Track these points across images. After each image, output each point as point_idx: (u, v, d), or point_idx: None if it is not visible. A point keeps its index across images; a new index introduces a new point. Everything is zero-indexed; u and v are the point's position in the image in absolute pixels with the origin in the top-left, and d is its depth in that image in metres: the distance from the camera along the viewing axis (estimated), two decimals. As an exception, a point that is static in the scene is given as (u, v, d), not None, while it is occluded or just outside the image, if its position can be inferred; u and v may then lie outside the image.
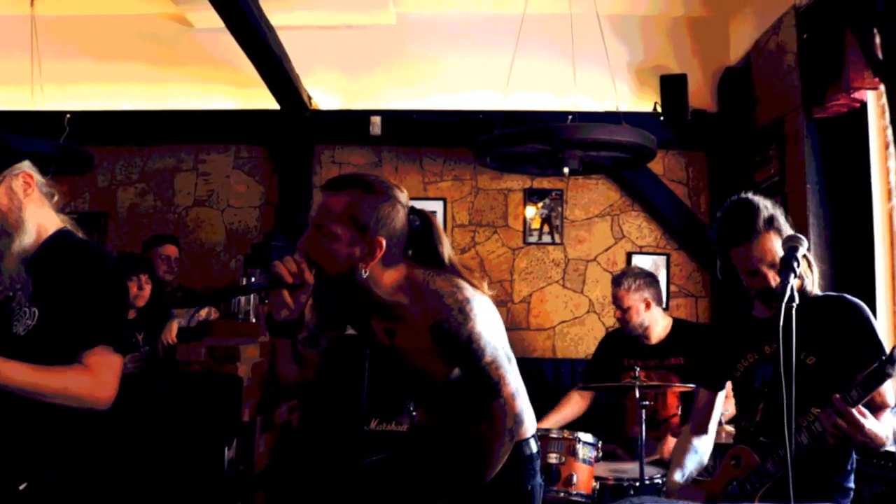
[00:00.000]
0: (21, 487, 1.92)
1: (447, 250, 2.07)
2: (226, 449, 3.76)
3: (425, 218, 2.08)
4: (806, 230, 4.16)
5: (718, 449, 2.85)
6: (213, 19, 4.60)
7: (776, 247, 2.26)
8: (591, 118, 4.90)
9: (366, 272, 1.94)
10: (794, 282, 1.93)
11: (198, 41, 5.83)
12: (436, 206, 5.62)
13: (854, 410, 2.02)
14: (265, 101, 5.50)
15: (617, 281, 4.13)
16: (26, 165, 2.10)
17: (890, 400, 2.24)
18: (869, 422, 2.04)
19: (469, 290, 2.00)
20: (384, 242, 1.93)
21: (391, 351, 2.13)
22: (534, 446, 2.23)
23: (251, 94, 5.67)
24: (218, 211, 5.89)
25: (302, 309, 1.98)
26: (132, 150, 5.96)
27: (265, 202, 5.86)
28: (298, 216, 5.64)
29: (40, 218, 2.09)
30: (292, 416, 5.16)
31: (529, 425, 2.22)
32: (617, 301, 4.11)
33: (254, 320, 4.60)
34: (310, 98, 5.68)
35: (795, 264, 1.98)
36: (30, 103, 5.24)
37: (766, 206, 2.34)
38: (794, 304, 1.86)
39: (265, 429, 4.56)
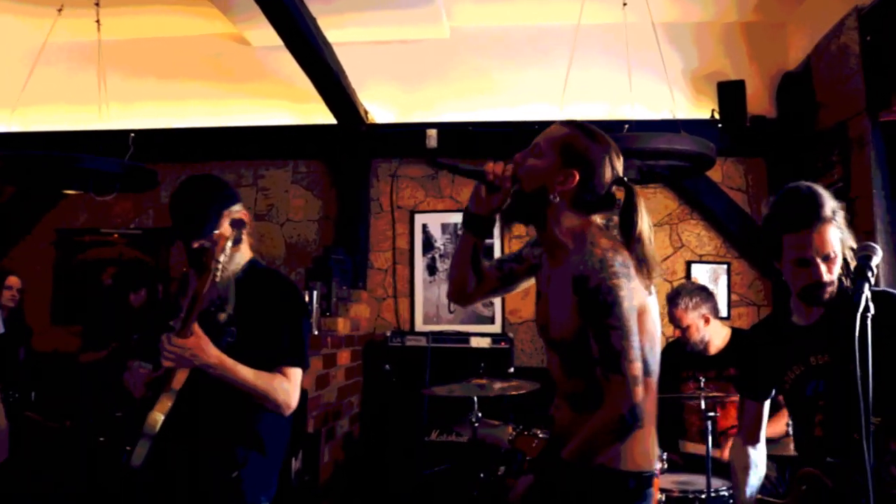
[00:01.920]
0: (234, 475, 2.25)
1: (643, 227, 1.99)
2: (293, 459, 3.81)
3: (630, 189, 2.04)
4: (873, 237, 4.08)
5: (786, 462, 2.79)
6: (270, 37, 4.71)
7: (834, 240, 2.10)
8: (648, 127, 4.87)
9: (556, 198, 1.99)
10: (868, 292, 1.86)
11: (256, 59, 5.95)
12: (492, 218, 5.62)
13: None
14: (322, 115, 5.60)
15: (673, 300, 4.04)
16: (241, 207, 2.44)
17: None
18: None
19: (622, 258, 1.92)
20: (577, 177, 1.98)
21: (543, 300, 2.13)
22: (644, 484, 1.96)
23: (308, 110, 5.76)
24: (277, 225, 5.99)
25: (492, 211, 2.09)
26: (194, 166, 6.09)
27: (323, 216, 5.94)
28: (357, 229, 5.72)
29: (242, 250, 2.41)
30: (354, 427, 5.21)
31: (641, 459, 1.98)
32: (675, 321, 4.03)
33: (316, 333, 4.67)
34: (366, 112, 5.75)
35: (870, 273, 1.91)
36: (97, 122, 5.40)
37: (830, 198, 2.15)
38: (870, 315, 1.80)
39: (328, 439, 4.62)
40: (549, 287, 2.09)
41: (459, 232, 2.24)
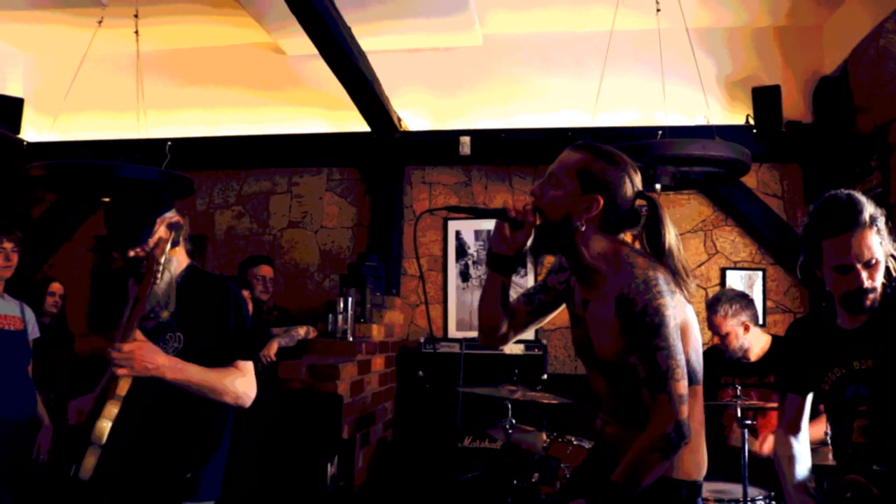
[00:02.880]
0: (188, 476, 2.28)
1: (670, 238, 2.04)
2: (328, 465, 3.84)
3: (652, 202, 2.09)
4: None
5: (823, 471, 2.75)
6: (304, 46, 4.76)
7: (875, 246, 2.07)
8: (682, 133, 4.85)
9: (582, 226, 2.00)
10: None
11: (290, 68, 6.02)
12: (525, 224, 5.63)
13: None
14: (356, 123, 5.64)
15: (712, 308, 3.99)
16: (174, 213, 2.44)
17: None
18: None
19: (663, 276, 1.94)
20: (602, 201, 1.99)
21: (581, 325, 2.12)
22: (696, 493, 2.01)
23: (342, 117, 5.82)
24: (311, 232, 6.04)
25: (518, 248, 2.08)
26: (229, 174, 6.18)
27: (357, 223, 5.98)
28: (391, 236, 5.75)
29: (179, 255, 2.45)
30: (388, 432, 5.23)
31: (694, 469, 2.02)
32: (714, 328, 3.99)
33: (350, 339, 4.70)
34: (399, 120, 5.78)
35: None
36: (135, 130, 5.49)
37: (870, 204, 2.11)
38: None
39: (363, 445, 4.64)
40: (586, 311, 2.09)
41: (484, 275, 2.22)
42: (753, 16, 5.52)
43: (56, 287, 4.91)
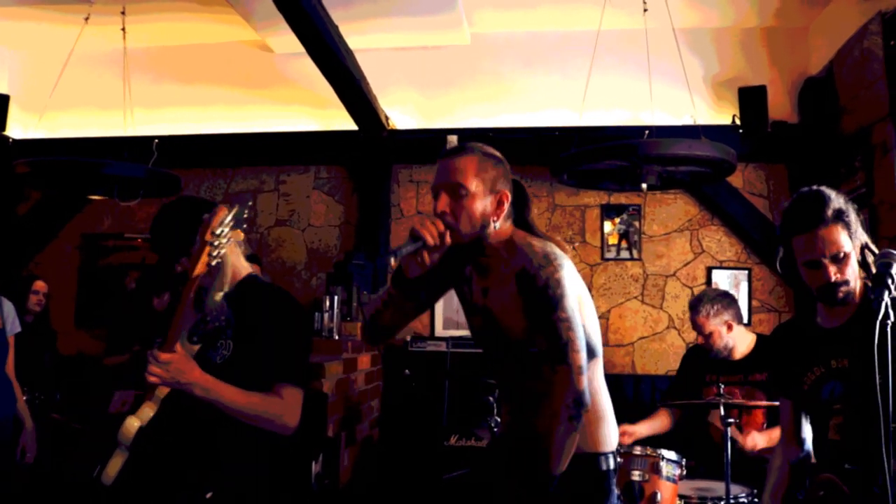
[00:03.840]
0: (208, 496, 2.13)
1: (532, 213, 2.20)
2: (313, 463, 3.84)
3: (516, 182, 2.18)
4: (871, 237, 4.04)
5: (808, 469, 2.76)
6: (292, 44, 4.75)
7: (842, 240, 2.11)
8: (668, 133, 4.87)
9: (498, 224, 2.07)
10: (888, 299, 1.86)
11: (278, 65, 6.02)
12: (512, 223, 5.64)
13: None
14: (343, 122, 5.63)
15: (695, 308, 4.01)
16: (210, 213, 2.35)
17: None
18: None
19: (559, 250, 2.05)
20: (508, 195, 2.08)
21: (484, 313, 2.15)
22: (612, 462, 2.12)
23: (330, 116, 5.81)
24: (299, 230, 6.03)
25: (427, 269, 2.07)
26: (216, 172, 6.17)
27: (345, 221, 5.98)
28: (378, 234, 5.75)
29: (235, 264, 2.33)
30: (374, 431, 5.23)
31: (610, 439, 2.13)
32: (697, 328, 4.01)
33: (336, 337, 4.69)
34: (387, 118, 5.78)
35: (889, 280, 1.91)
36: (121, 128, 5.48)
37: (838, 199, 2.16)
38: (890, 322, 1.79)
39: (348, 444, 4.64)
40: (487, 298, 2.14)
41: (391, 291, 2.20)
42: (741, 16, 5.54)
43: (40, 285, 4.89)
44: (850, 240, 2.13)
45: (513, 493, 2.03)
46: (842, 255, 2.12)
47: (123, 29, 5.33)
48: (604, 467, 2.10)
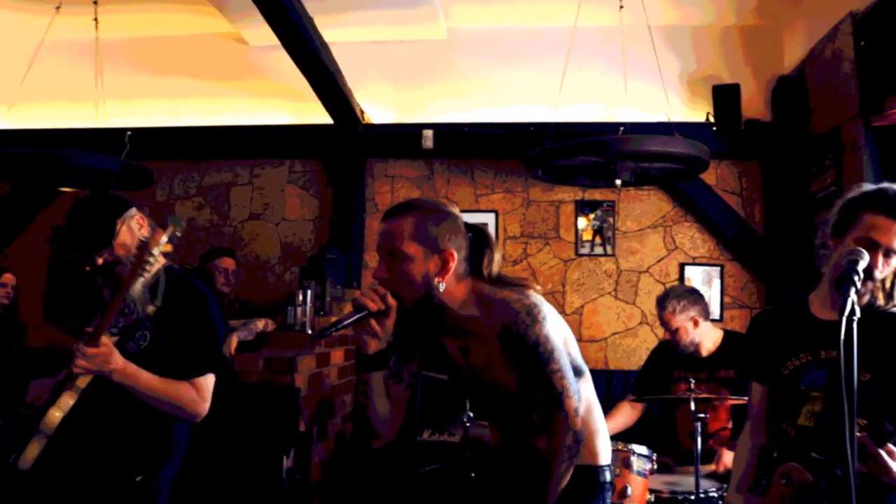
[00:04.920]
0: (137, 479, 2.26)
1: (496, 264, 2.10)
2: (284, 458, 3.82)
3: (478, 230, 2.13)
4: None
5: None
6: (267, 37, 4.72)
7: None
8: (643, 129, 4.89)
9: (443, 286, 1.99)
10: (854, 296, 1.87)
11: (253, 58, 5.97)
12: (487, 219, 5.66)
13: (883, 452, 1.90)
14: (318, 115, 5.61)
15: (661, 304, 4.06)
16: (135, 211, 2.43)
17: None
18: None
19: (535, 297, 2.03)
20: (455, 254, 2.00)
21: (466, 370, 2.15)
22: (608, 474, 2.20)
23: (305, 109, 5.78)
24: (273, 224, 6.00)
25: (388, 337, 2.02)
26: (189, 164, 6.11)
27: (319, 215, 5.95)
28: (352, 229, 5.73)
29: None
30: (346, 426, 5.22)
31: (607, 451, 2.21)
32: (664, 324, 4.06)
33: (309, 332, 4.67)
34: (362, 112, 5.76)
35: (856, 278, 1.92)
36: (93, 120, 5.41)
37: None
38: (856, 318, 1.81)
39: (320, 438, 4.62)
40: (471, 358, 2.13)
41: (363, 381, 2.13)
42: (720, 14, 5.57)
43: (8, 278, 4.83)
44: None
45: None
46: (893, 252, 2.12)
47: (96, 19, 5.25)
48: (601, 479, 2.18)
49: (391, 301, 1.96)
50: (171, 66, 6.05)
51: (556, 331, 2.03)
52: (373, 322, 1.97)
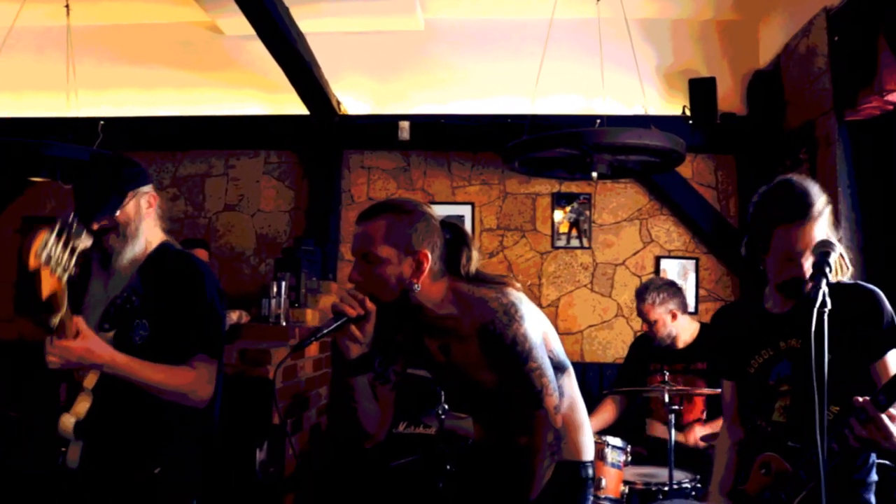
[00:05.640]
0: (156, 471, 2.20)
1: (474, 262, 2.10)
2: (257, 451, 3.80)
3: (455, 229, 2.13)
4: (837, 234, 4.12)
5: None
6: (243, 26, 4.67)
7: (822, 237, 2.11)
8: (620, 122, 4.91)
9: (418, 287, 1.99)
10: (825, 287, 1.88)
11: (228, 48, 5.90)
12: (464, 211, 5.65)
13: (884, 416, 1.89)
14: (295, 106, 5.56)
15: (640, 296, 4.08)
16: (150, 188, 2.36)
17: None
18: None
19: (514, 294, 2.03)
20: (429, 255, 2.00)
21: (448, 368, 2.15)
22: (591, 470, 2.23)
23: (281, 100, 5.73)
24: (248, 215, 5.95)
25: (369, 338, 2.01)
26: (164, 155, 6.05)
27: (294, 207, 5.91)
28: (328, 220, 5.70)
29: (150, 233, 2.34)
30: (321, 418, 5.20)
31: (589, 447, 2.24)
32: (643, 316, 4.08)
33: (283, 324, 4.65)
34: (339, 103, 5.72)
35: (828, 269, 1.93)
36: (65, 109, 5.33)
37: (821, 194, 2.15)
38: (827, 310, 1.82)
39: (295, 431, 4.60)
40: (450, 356, 2.13)
41: (350, 385, 2.10)
42: (699, 8, 5.58)
43: None
44: (825, 237, 2.13)
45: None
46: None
47: (67, 6, 5.17)
48: (584, 475, 2.20)
49: (370, 306, 1.95)
50: (145, 54, 5.97)
51: (535, 328, 2.03)
52: (353, 328, 1.96)
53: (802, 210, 2.12)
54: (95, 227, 2.17)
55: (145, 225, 2.31)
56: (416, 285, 1.99)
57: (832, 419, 2.06)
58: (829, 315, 1.84)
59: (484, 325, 1.98)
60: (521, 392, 2.02)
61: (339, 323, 1.94)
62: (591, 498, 2.24)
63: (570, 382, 2.19)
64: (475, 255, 2.11)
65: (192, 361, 2.21)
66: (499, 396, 2.09)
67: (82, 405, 2.11)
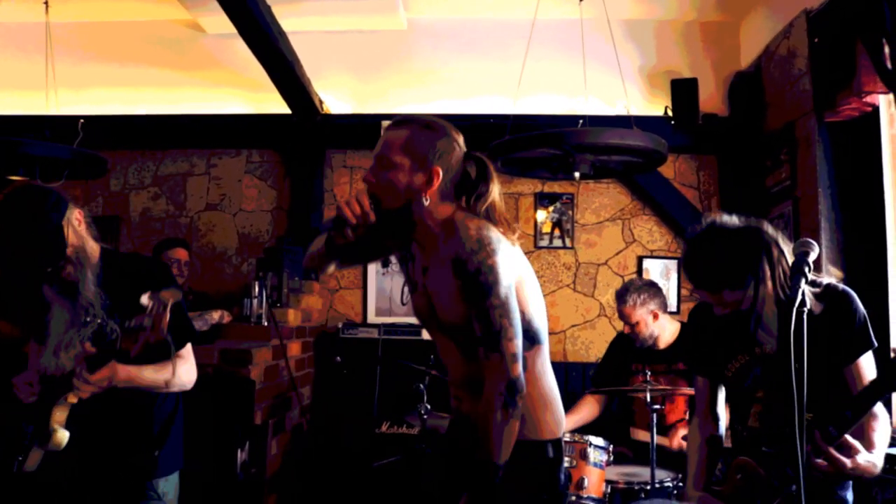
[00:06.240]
0: (156, 454, 2.36)
1: (494, 195, 2.08)
2: (238, 451, 3.78)
3: (481, 161, 2.13)
4: (818, 234, 4.16)
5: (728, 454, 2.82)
6: (224, 25, 4.64)
7: (736, 295, 2.14)
8: (602, 122, 4.91)
9: (427, 200, 2.03)
10: (804, 287, 1.88)
11: (209, 46, 5.87)
12: (446, 210, 5.64)
13: (833, 450, 1.90)
14: (277, 105, 5.54)
15: (621, 297, 4.08)
16: (71, 206, 2.32)
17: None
18: (856, 458, 1.93)
19: (495, 233, 1.99)
20: (441, 172, 2.03)
21: (422, 292, 2.15)
22: (552, 451, 2.09)
23: (263, 99, 5.70)
24: (230, 215, 5.92)
25: (359, 236, 2.08)
26: (145, 154, 6.00)
27: (276, 206, 5.89)
28: (310, 220, 5.68)
29: (91, 246, 2.35)
30: (304, 418, 5.18)
31: (556, 426, 2.11)
32: (623, 317, 4.08)
33: (265, 324, 4.63)
34: (321, 102, 5.70)
35: (806, 269, 1.93)
36: (44, 108, 5.28)
37: (731, 241, 2.17)
38: (806, 310, 1.82)
39: (277, 431, 4.58)
40: (426, 278, 2.13)
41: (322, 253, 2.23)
42: (683, 9, 5.61)
43: None
44: (749, 283, 2.12)
45: (461, 482, 2.05)
46: (740, 303, 2.15)
47: (46, 3, 5.12)
48: (550, 454, 2.09)
49: (371, 218, 2.02)
50: (125, 52, 5.92)
51: (507, 270, 1.96)
52: (348, 230, 2.04)
53: (708, 283, 2.18)
54: (49, 269, 2.20)
55: (87, 241, 2.33)
56: (426, 198, 2.02)
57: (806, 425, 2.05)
58: (795, 318, 1.82)
59: (457, 252, 1.96)
60: (481, 329, 1.94)
61: (334, 223, 2.06)
62: (563, 479, 2.13)
63: (540, 356, 2.10)
64: (493, 194, 2.08)
65: (177, 353, 2.31)
66: (463, 335, 2.03)
67: (61, 416, 2.14)
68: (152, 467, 2.36)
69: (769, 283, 2.13)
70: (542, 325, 2.12)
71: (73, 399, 2.15)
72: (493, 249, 1.95)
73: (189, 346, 2.42)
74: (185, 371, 2.36)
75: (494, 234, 1.98)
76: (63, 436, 2.13)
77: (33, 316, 2.26)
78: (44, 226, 2.16)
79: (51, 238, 2.16)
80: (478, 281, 1.93)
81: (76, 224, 2.28)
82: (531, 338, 2.05)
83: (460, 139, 2.13)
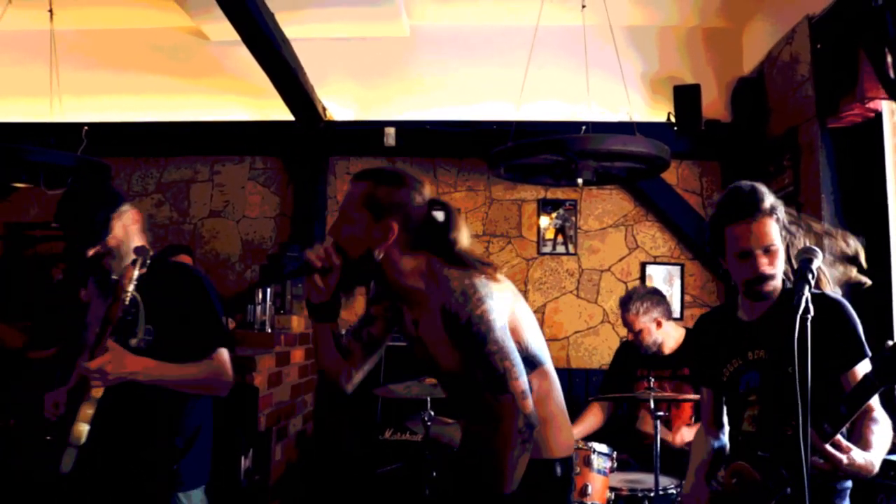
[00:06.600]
0: (175, 468, 2.35)
1: (462, 242, 2.10)
2: (242, 458, 3.77)
3: (447, 208, 2.15)
4: (821, 240, 4.14)
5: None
6: (228, 32, 4.66)
7: (774, 233, 2.15)
8: (605, 129, 4.91)
9: (380, 255, 2.04)
10: (808, 294, 1.88)
11: (213, 54, 5.89)
12: (449, 217, 5.64)
13: (829, 447, 1.87)
14: (280, 112, 5.55)
15: (625, 306, 4.08)
16: (128, 206, 2.46)
17: (874, 402, 2.06)
18: (852, 455, 1.90)
19: (479, 279, 2.00)
20: (396, 227, 2.04)
21: (418, 343, 2.16)
22: (560, 469, 2.13)
23: (266, 106, 5.72)
24: (233, 222, 5.93)
25: (332, 291, 2.09)
26: (148, 161, 6.02)
27: (280, 213, 5.90)
28: (313, 226, 5.68)
29: (133, 246, 2.40)
30: (307, 425, 5.18)
31: (565, 444, 2.16)
32: (628, 325, 4.08)
33: (269, 330, 4.63)
34: (324, 109, 5.72)
35: (810, 276, 1.93)
36: (48, 115, 5.29)
37: (771, 195, 2.20)
38: (810, 316, 1.82)
39: (280, 438, 4.58)
40: (419, 331, 2.14)
41: (314, 328, 2.24)
42: (685, 16, 5.62)
43: None
44: (780, 236, 2.16)
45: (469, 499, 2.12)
46: (773, 247, 2.15)
47: (50, 11, 5.14)
48: (559, 473, 2.13)
49: (335, 260, 2.04)
50: (129, 60, 5.95)
51: (500, 314, 1.99)
52: (317, 277, 2.06)
53: (749, 207, 2.16)
54: (90, 253, 2.31)
55: (134, 242, 2.40)
56: (378, 254, 2.04)
57: (792, 433, 2.05)
58: (799, 324, 1.81)
59: (443, 304, 1.98)
60: (483, 376, 1.97)
61: (299, 267, 2.08)
62: (570, 496, 2.17)
63: (542, 381, 2.13)
64: (462, 237, 2.11)
65: (212, 355, 2.37)
66: (464, 380, 2.06)
67: (87, 412, 2.18)
68: (174, 478, 2.36)
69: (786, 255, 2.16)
70: (539, 347, 2.15)
71: (96, 393, 2.19)
72: (480, 298, 1.97)
73: (224, 351, 2.43)
74: (216, 373, 2.38)
75: (478, 281, 2.00)
76: (83, 429, 2.16)
77: (69, 317, 2.42)
78: (93, 211, 2.32)
79: (95, 222, 2.31)
80: (471, 332, 1.96)
81: (128, 222, 2.41)
82: (531, 363, 2.08)
83: (425, 189, 2.15)
